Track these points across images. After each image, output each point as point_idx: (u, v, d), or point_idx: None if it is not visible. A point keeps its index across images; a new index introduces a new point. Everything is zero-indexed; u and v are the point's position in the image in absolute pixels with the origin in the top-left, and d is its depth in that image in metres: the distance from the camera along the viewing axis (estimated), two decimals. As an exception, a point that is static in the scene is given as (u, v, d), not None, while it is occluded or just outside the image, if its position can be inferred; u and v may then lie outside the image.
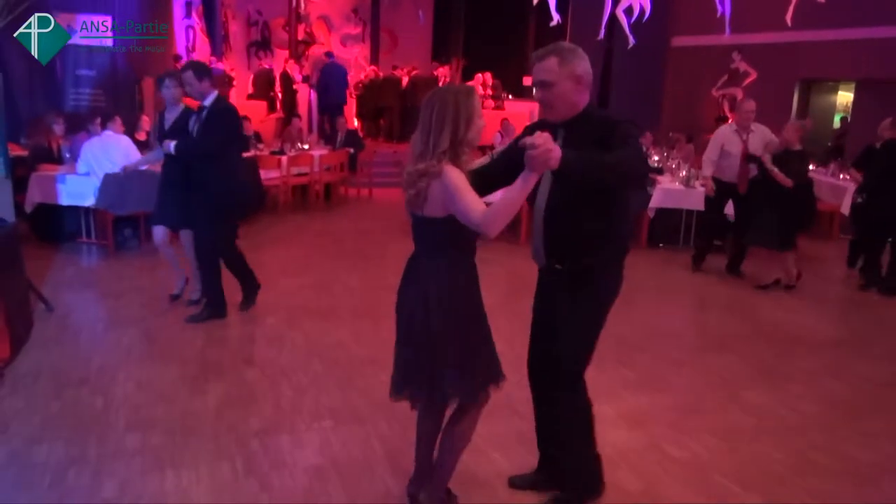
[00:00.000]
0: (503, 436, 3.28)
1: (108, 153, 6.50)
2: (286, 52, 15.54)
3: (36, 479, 2.87)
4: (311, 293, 5.54)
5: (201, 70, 4.73)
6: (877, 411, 3.80)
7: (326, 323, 4.86)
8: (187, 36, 14.05)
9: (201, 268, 4.91)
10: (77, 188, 6.57)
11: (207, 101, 4.64)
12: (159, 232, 5.03)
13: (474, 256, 2.45)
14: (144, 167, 5.98)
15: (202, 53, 14.10)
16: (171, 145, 4.66)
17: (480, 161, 2.79)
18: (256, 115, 11.74)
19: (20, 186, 6.51)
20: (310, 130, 12.87)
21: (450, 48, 15.85)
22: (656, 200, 7.45)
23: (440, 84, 14.86)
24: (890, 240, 6.34)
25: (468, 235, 2.36)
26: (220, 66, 13.64)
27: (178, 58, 12.74)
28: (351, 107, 14.17)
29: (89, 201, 6.55)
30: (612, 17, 11.14)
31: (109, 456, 3.05)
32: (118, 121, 6.99)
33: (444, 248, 2.38)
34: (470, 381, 2.41)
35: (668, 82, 14.09)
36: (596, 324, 2.61)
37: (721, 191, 6.37)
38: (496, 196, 2.31)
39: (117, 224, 6.68)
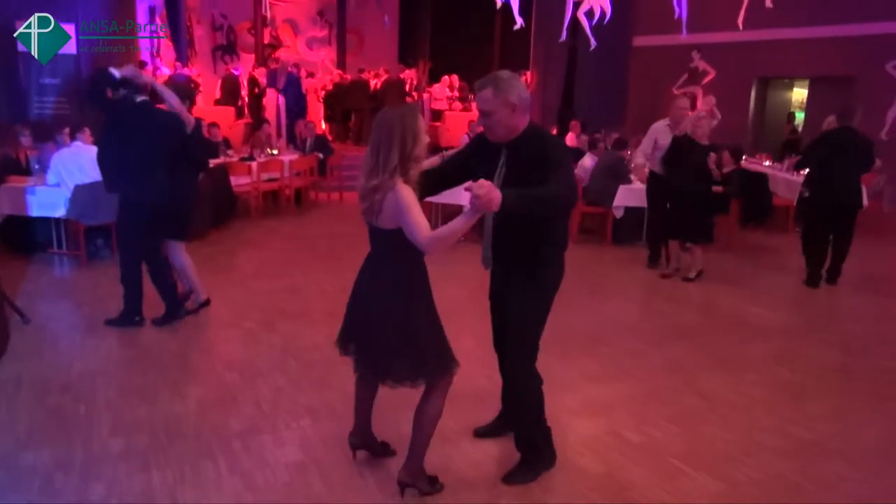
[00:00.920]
0: (472, 427, 3.46)
1: (79, 164, 6.53)
2: (252, 57, 15.55)
3: (24, 483, 2.97)
4: (285, 296, 5.67)
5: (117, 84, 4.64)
6: (821, 394, 4.07)
7: (301, 325, 5.00)
8: (151, 41, 13.97)
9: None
10: (47, 199, 6.58)
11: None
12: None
13: (423, 258, 2.69)
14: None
15: (167, 59, 14.05)
16: None
17: (431, 161, 3.03)
18: (225, 121, 11.75)
19: (-11, 198, 6.52)
20: (279, 136, 12.93)
21: (416, 51, 16.02)
22: (620, 199, 7.70)
23: (407, 87, 15.03)
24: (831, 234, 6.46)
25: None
26: (185, 71, 13.61)
27: (142, 64, 12.68)
28: (318, 111, 14.24)
29: (60, 212, 6.58)
30: (575, 19, 11.41)
31: (95, 459, 3.16)
32: (87, 132, 7.02)
33: (395, 252, 2.64)
34: (421, 368, 2.70)
35: (631, 82, 14.41)
36: (540, 310, 2.92)
37: (658, 186, 6.63)
38: (441, 198, 2.61)
39: (89, 234, 6.71)
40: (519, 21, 10.83)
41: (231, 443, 3.33)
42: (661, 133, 6.55)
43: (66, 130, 7.21)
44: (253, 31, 15.97)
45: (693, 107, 14.09)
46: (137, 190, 4.66)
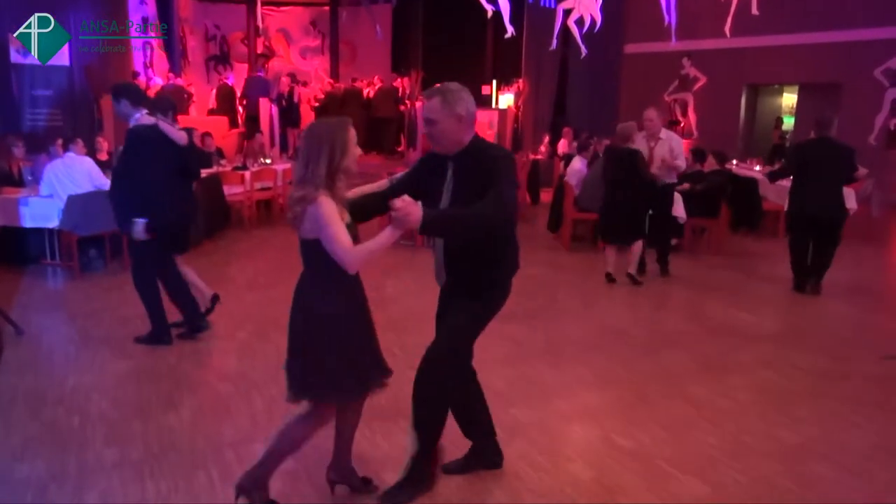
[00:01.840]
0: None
1: (71, 175, 6.58)
2: (246, 66, 15.61)
3: (18, 495, 2.99)
4: (279, 306, 5.63)
5: (118, 91, 4.63)
6: (806, 398, 4.12)
7: (295, 335, 5.02)
8: (144, 52, 14.04)
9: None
10: (40, 210, 6.62)
11: (131, 123, 4.60)
12: None
13: (352, 274, 2.61)
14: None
15: (160, 69, 14.11)
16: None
17: (379, 184, 3.03)
18: (218, 131, 11.80)
19: (-20, 211, 6.55)
20: (272, 144, 12.99)
21: (409, 60, 16.11)
22: None
23: (400, 95, 15.11)
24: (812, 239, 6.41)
25: None
26: (178, 81, 13.67)
27: (135, 74, 12.74)
28: (310, 119, 14.31)
29: (53, 223, 6.61)
30: (566, 27, 11.52)
31: (89, 470, 3.19)
32: (80, 143, 7.09)
33: (320, 265, 2.60)
34: (305, 386, 2.67)
35: (623, 89, 14.53)
36: (476, 323, 2.87)
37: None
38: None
39: (82, 245, 6.74)
40: (510, 30, 10.95)
41: (224, 452, 3.36)
42: (638, 145, 6.62)
43: (59, 141, 7.27)
44: (246, 42, 16.04)
45: (684, 113, 14.28)
46: (161, 211, 4.62)
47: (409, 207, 2.41)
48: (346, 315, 2.67)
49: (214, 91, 14.60)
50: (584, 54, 11.80)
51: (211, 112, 14.13)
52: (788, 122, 14.24)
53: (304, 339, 2.68)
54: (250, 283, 6.41)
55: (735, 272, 7.25)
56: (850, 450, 3.50)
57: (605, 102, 14.37)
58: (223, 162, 9.59)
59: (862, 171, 6.47)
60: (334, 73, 16.54)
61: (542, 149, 13.14)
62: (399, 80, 15.53)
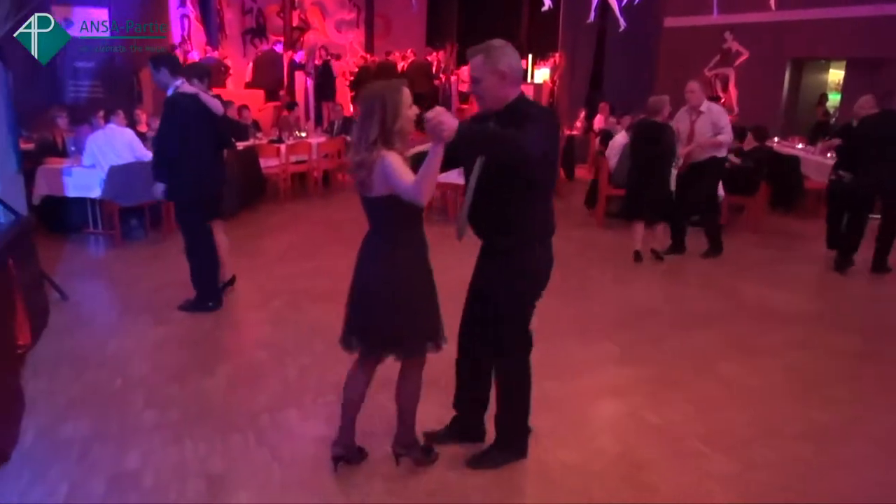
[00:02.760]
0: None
1: (113, 146, 6.73)
2: (281, 39, 15.65)
3: (64, 452, 3.13)
4: (312, 278, 5.79)
5: (158, 60, 4.72)
6: (842, 380, 4.07)
7: (327, 306, 5.08)
8: (182, 25, 14.16)
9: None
10: (83, 180, 6.79)
11: (169, 93, 4.71)
12: None
13: (417, 231, 2.75)
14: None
15: (198, 42, 14.23)
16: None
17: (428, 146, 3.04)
18: (254, 104, 11.90)
19: (27, 179, 6.73)
20: (307, 118, 13.05)
21: (444, 33, 15.96)
22: None
23: (434, 69, 15.01)
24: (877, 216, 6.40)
25: (409, 212, 2.65)
26: (214, 54, 13.78)
27: (173, 47, 12.86)
28: (346, 93, 14.34)
29: (95, 193, 6.78)
30: (604, 0, 11.29)
31: (130, 431, 3.32)
32: (121, 114, 7.22)
33: (388, 223, 2.70)
34: (392, 342, 2.77)
35: (661, 63, 14.20)
36: (518, 295, 2.88)
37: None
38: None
39: (123, 214, 6.91)
40: (547, 3, 10.74)
41: (259, 417, 3.46)
42: (680, 119, 6.51)
43: (101, 113, 7.41)
44: (282, 14, 16.05)
45: (725, 88, 13.92)
46: (195, 180, 4.78)
47: (441, 117, 2.36)
48: (413, 273, 2.75)
49: (251, 64, 14.65)
50: (622, 27, 11.55)
51: (248, 85, 14.22)
52: (834, 99, 13.78)
53: (372, 295, 2.74)
54: (284, 255, 6.50)
55: (772, 251, 7.12)
56: (883, 431, 3.45)
57: (643, 78, 14.04)
58: (259, 135, 9.68)
59: None
60: (369, 47, 16.49)
61: (578, 124, 12.96)
62: (433, 53, 15.41)
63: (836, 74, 14.09)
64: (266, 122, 11.67)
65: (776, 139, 9.98)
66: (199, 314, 4.86)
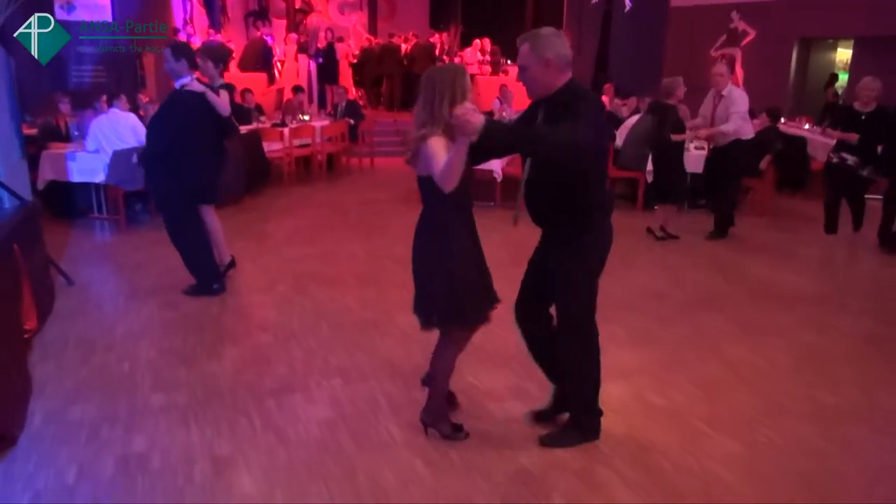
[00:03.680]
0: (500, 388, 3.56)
1: (116, 130, 6.72)
2: (284, 22, 15.54)
3: (73, 434, 3.16)
4: (317, 262, 5.79)
5: (180, 49, 4.71)
6: (848, 361, 4.05)
7: (333, 289, 5.12)
8: (185, 8, 14.06)
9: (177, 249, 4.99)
10: (87, 165, 6.79)
11: (177, 85, 4.69)
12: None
13: (465, 208, 2.86)
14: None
15: (200, 25, 14.14)
16: None
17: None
18: (257, 88, 11.84)
19: (31, 165, 6.73)
20: (310, 101, 12.98)
21: (448, 14, 15.84)
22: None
23: (437, 51, 14.89)
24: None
25: (457, 191, 2.68)
26: (217, 37, 13.69)
27: (175, 31, 12.79)
28: (349, 76, 14.24)
29: (99, 177, 6.79)
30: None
31: (138, 414, 3.34)
32: (124, 99, 7.21)
33: (437, 201, 2.77)
34: (434, 311, 2.89)
35: (668, 44, 14.06)
36: (585, 272, 2.92)
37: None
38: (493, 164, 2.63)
39: (128, 199, 6.92)
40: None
41: (265, 400, 3.47)
42: (705, 101, 6.48)
43: (104, 98, 7.40)
44: (284, -3, 15.94)
45: (732, 69, 13.78)
46: (187, 176, 4.76)
47: (469, 115, 2.43)
48: (462, 247, 2.84)
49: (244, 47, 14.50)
50: (628, 7, 11.43)
51: (240, 66, 14.07)
52: (843, 79, 13.63)
53: (430, 266, 2.86)
54: (289, 239, 6.50)
55: (780, 233, 7.09)
56: (889, 413, 3.44)
57: (649, 58, 13.89)
58: (262, 119, 9.65)
59: None
60: (372, 29, 16.38)
61: (583, 106, 12.86)
62: (436, 35, 15.29)
63: (843, 54, 13.93)
64: (269, 106, 11.62)
65: (783, 120, 9.87)
66: (204, 298, 4.87)
